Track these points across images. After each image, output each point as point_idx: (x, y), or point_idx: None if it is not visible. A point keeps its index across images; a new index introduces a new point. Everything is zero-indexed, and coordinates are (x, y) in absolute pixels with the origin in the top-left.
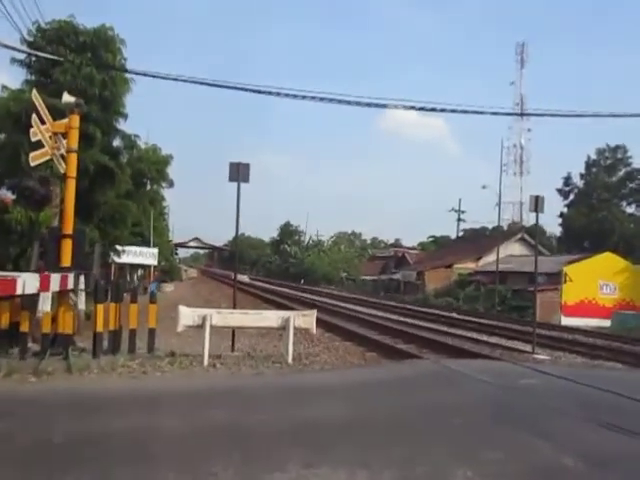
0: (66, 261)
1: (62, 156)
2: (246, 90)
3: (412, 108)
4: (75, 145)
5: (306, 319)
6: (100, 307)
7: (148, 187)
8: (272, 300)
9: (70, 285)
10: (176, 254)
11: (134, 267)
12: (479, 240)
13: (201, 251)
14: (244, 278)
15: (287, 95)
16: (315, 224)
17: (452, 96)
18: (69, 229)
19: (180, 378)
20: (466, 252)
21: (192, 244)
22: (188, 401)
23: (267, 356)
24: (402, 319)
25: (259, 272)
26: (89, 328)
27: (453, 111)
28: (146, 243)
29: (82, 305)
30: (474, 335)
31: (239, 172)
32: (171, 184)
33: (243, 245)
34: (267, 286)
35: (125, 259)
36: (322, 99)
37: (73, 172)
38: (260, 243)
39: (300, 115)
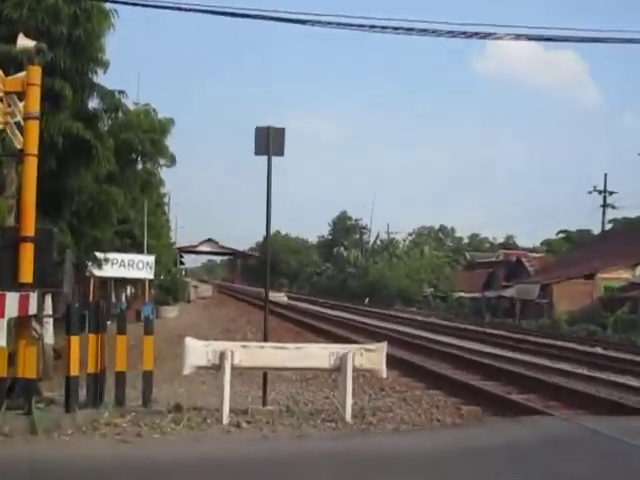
0: (26, 275)
1: (18, 125)
2: (283, 21)
3: (530, 38)
4: (36, 109)
5: (372, 356)
6: (75, 340)
7: (139, 166)
8: (322, 330)
9: (32, 309)
10: (181, 263)
11: (121, 282)
12: (636, 236)
13: (217, 258)
14: (281, 297)
15: (344, 25)
16: (384, 216)
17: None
18: (29, 229)
19: (189, 443)
20: (616, 255)
21: (204, 248)
22: (201, 478)
23: (314, 411)
24: (517, 356)
25: (302, 288)
26: (60, 371)
27: (583, 40)
28: (138, 248)
29: (50, 338)
30: (632, 381)
31: (269, 141)
32: (172, 161)
33: (279, 249)
34: (315, 309)
35: (109, 271)
36: (397, 29)
37: (34, 147)
38: (303, 246)
39: (359, 56)
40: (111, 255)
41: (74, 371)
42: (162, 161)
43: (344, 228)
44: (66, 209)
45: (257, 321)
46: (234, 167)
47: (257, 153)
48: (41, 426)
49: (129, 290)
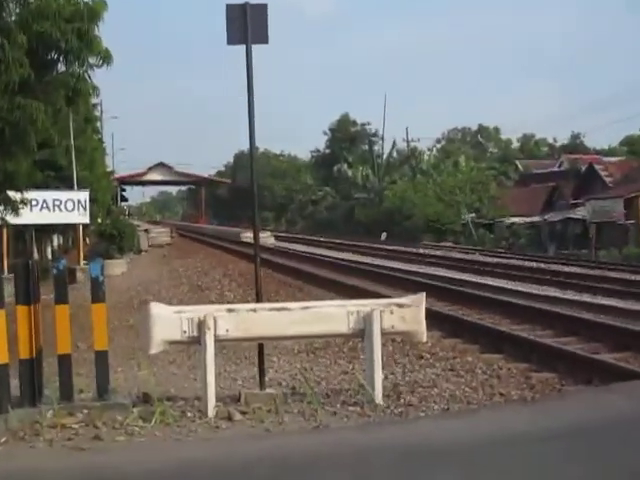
0: None
1: None
2: None
3: None
4: None
5: (406, 313)
6: None
7: (61, 69)
8: (329, 282)
9: None
10: (123, 199)
11: (45, 232)
12: None
13: (173, 189)
14: (265, 238)
15: None
16: (400, 118)
17: None
18: None
19: (166, 445)
20: None
21: (154, 177)
22: None
23: (331, 392)
24: (600, 301)
25: (293, 223)
26: None
27: None
28: (65, 182)
29: None
30: None
31: (247, 23)
32: (107, 59)
33: (258, 173)
34: (313, 252)
35: (27, 217)
36: None
37: None
38: (291, 166)
39: None
40: (30, 194)
41: (1, 358)
42: (93, 60)
43: (347, 137)
44: None
45: (238, 273)
46: (194, 64)
47: (230, 42)
48: None
49: (55, 241)
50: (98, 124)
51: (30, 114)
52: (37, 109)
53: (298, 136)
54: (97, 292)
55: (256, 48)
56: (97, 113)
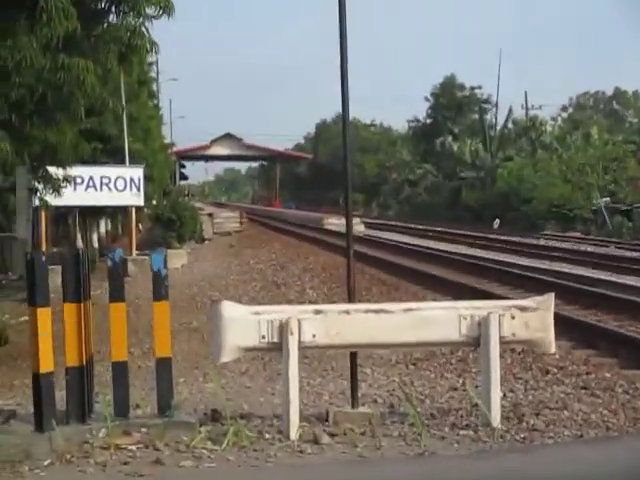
0: None
1: None
2: None
3: None
4: None
5: (530, 319)
6: (44, 315)
7: (113, 21)
8: (431, 278)
9: None
10: (183, 178)
11: (91, 215)
12: None
13: (241, 166)
14: (353, 226)
15: None
16: (518, 82)
17: None
18: None
19: (240, 473)
20: None
21: (219, 151)
22: None
23: (438, 412)
24: None
25: (386, 208)
26: (19, 365)
27: None
28: (114, 156)
29: None
30: None
31: None
32: (166, 10)
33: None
34: (410, 242)
35: (71, 198)
36: None
37: None
38: (385, 138)
39: None
40: (74, 170)
41: (46, 365)
42: (150, 10)
43: (452, 104)
44: None
45: (321, 267)
46: (268, 17)
47: None
48: None
49: (103, 227)
50: (154, 87)
51: (76, 75)
52: (85, 69)
53: (393, 103)
54: (159, 288)
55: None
56: (152, 74)
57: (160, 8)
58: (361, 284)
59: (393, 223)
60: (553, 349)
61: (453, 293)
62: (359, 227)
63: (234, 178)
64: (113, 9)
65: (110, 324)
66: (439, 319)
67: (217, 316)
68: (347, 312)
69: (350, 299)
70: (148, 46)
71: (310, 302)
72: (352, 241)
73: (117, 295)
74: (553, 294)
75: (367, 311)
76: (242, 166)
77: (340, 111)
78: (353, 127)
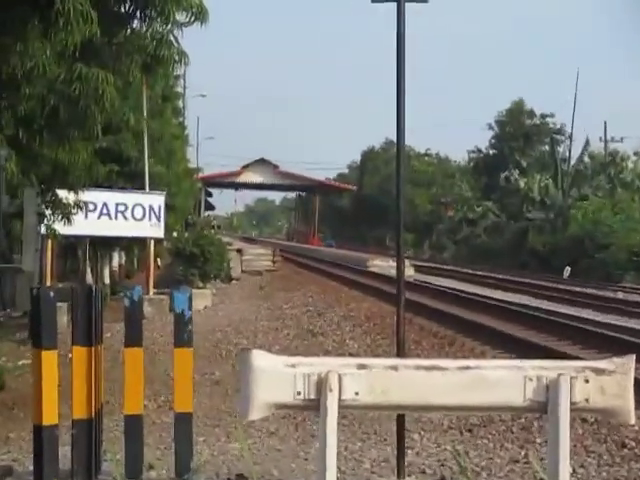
0: None
1: None
2: None
3: None
4: None
5: (606, 383)
6: (50, 359)
7: (137, 27)
8: (488, 331)
9: None
10: (209, 207)
11: (104, 246)
12: None
13: (276, 196)
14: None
15: None
16: (596, 110)
17: None
18: None
19: None
20: None
21: (252, 178)
22: None
23: None
24: None
25: (440, 249)
26: (16, 415)
27: None
28: (132, 180)
29: None
30: None
31: None
32: (200, 17)
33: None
34: (467, 289)
35: (81, 226)
36: None
37: None
38: (441, 170)
39: None
40: (87, 195)
41: (49, 416)
42: (180, 16)
43: (519, 133)
44: (4, 112)
45: (364, 315)
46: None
47: None
48: None
49: (116, 260)
50: (180, 103)
51: (94, 87)
52: (104, 80)
53: (451, 130)
54: (182, 333)
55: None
56: (179, 89)
57: (192, 14)
58: (410, 336)
59: (447, 267)
60: (632, 420)
61: (516, 351)
62: (409, 271)
63: (267, 210)
64: (138, 14)
65: (125, 372)
66: (501, 380)
67: (246, 367)
68: (395, 368)
69: (399, 353)
70: (176, 57)
71: (351, 355)
72: (403, 287)
73: (134, 339)
74: (634, 356)
75: (418, 367)
76: (276, 196)
77: (390, 137)
78: (405, 156)
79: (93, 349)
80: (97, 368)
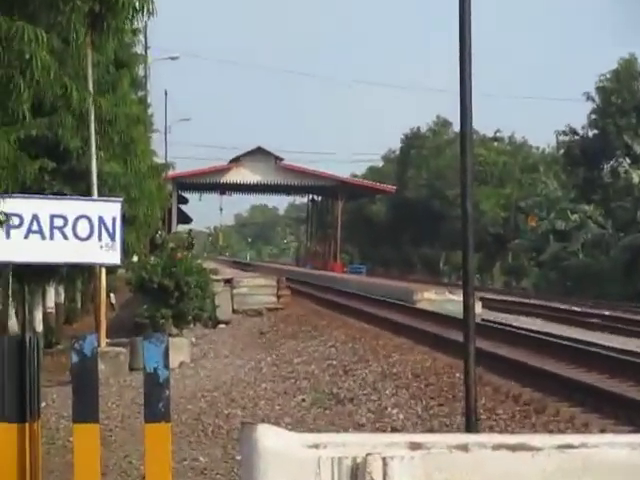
0: None
1: None
2: None
3: None
4: None
5: None
6: None
7: None
8: (597, 394)
9: None
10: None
11: (34, 277)
12: None
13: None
14: (452, 302)
15: None
16: None
17: None
18: None
19: None
20: None
21: (243, 176)
22: None
23: None
24: None
25: (519, 275)
26: None
27: None
28: (74, 182)
29: None
30: None
31: None
32: None
33: (452, 177)
34: (556, 332)
35: (3, 249)
36: None
37: None
38: (515, 161)
39: None
40: (9, 204)
41: None
42: None
43: (630, 105)
44: None
45: (411, 371)
46: None
47: None
48: None
49: (52, 298)
50: (140, 71)
51: (19, 50)
52: (32, 40)
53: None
54: (156, 401)
55: None
56: (139, 51)
57: None
58: (480, 402)
59: (530, 301)
60: None
61: (634, 419)
62: (475, 307)
63: (267, 222)
64: None
65: (74, 460)
66: (618, 464)
67: (249, 448)
68: (464, 448)
69: (469, 426)
70: (137, 3)
71: (396, 430)
72: (474, 333)
73: (87, 412)
74: None
75: (498, 447)
76: (280, 202)
77: (444, 114)
78: (472, 141)
79: (28, 427)
80: (32, 452)
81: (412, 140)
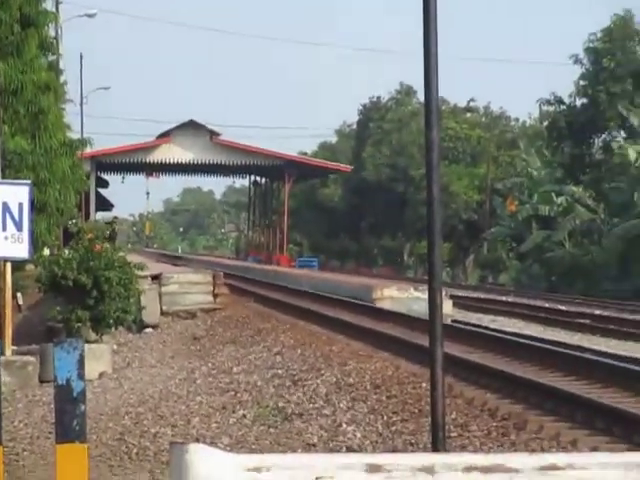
0: None
1: None
2: None
3: None
4: None
5: None
6: None
7: None
8: (582, 404)
9: None
10: (103, 206)
11: None
12: None
13: (217, 186)
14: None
15: None
16: None
17: None
18: None
19: None
20: None
21: (173, 154)
22: None
23: None
24: None
25: (495, 269)
26: None
27: None
28: None
29: None
30: None
31: None
32: None
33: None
34: (540, 336)
35: None
36: None
37: None
38: (491, 137)
39: None
40: None
41: None
42: None
43: (625, 69)
44: None
45: (369, 381)
46: None
47: None
48: None
49: None
50: (51, 31)
51: None
52: None
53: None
54: (69, 419)
55: None
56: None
57: None
58: (451, 417)
59: (508, 299)
60: None
61: (631, 437)
62: (445, 306)
63: (201, 208)
64: None
65: None
66: None
67: (180, 472)
68: (430, 470)
69: (435, 445)
70: None
71: (351, 450)
72: (442, 335)
73: None
74: None
75: (469, 468)
76: (216, 185)
77: (407, 81)
78: (438, 112)
79: None
80: None
81: (371, 111)
